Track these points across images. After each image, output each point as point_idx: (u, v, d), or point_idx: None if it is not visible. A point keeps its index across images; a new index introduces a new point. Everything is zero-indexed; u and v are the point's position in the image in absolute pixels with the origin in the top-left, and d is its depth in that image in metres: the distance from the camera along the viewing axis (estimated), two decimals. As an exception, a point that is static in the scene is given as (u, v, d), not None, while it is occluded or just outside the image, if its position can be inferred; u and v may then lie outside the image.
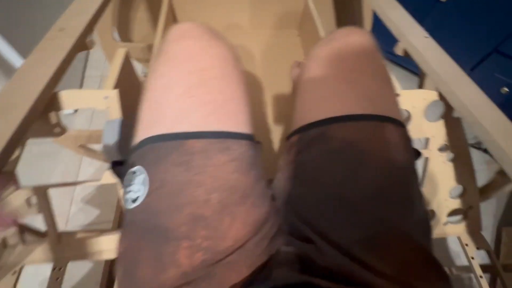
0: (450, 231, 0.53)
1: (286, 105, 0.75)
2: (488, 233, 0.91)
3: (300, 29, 0.96)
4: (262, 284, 0.23)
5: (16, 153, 0.37)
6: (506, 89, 1.11)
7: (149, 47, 0.88)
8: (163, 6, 0.79)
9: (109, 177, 0.40)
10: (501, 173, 0.43)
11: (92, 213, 0.87)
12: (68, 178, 0.96)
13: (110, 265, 0.65)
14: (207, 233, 0.23)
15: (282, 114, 0.73)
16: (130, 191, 0.25)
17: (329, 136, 0.29)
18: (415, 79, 1.34)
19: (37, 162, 0.95)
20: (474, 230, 0.53)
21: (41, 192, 0.40)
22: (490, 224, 0.93)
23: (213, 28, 0.32)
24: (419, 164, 0.50)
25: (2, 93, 0.33)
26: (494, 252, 0.89)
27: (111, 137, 0.35)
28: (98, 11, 0.46)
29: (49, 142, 0.45)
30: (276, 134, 0.69)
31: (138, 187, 0.24)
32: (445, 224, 0.52)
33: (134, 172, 0.25)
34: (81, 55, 0.80)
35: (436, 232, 0.53)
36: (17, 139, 0.31)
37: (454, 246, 0.82)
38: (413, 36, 0.47)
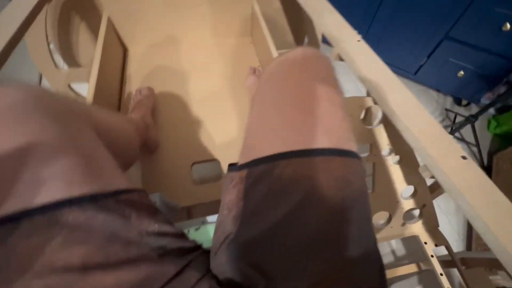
0: (408, 231, 0.53)
1: (246, 115, 0.73)
2: (451, 213, 0.93)
3: (253, 37, 0.95)
4: None
5: None
6: (462, 72, 1.14)
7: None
8: (102, 27, 0.75)
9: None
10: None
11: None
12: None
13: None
14: None
15: (242, 128, 0.71)
16: None
17: (277, 174, 0.26)
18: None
19: None
20: (432, 227, 0.53)
21: None
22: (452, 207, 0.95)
23: None
24: (367, 168, 0.50)
25: None
26: (468, 236, 0.91)
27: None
28: (6, 49, 0.41)
29: None
30: (238, 148, 0.67)
31: None
32: (403, 225, 0.52)
33: None
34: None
35: (396, 234, 0.53)
36: None
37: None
38: (345, 41, 0.46)
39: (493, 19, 0.94)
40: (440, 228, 0.52)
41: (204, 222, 0.39)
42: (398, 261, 0.77)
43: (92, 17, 0.83)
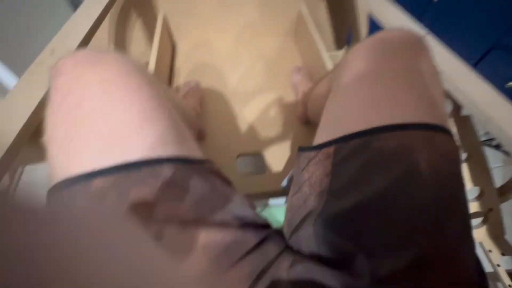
0: (470, 237, 0.49)
1: (289, 111, 0.73)
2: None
3: (296, 36, 0.96)
4: None
5: (6, 181, 0.35)
6: (511, 83, 1.08)
7: (146, 64, 0.88)
8: (158, 24, 0.79)
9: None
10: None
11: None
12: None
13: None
14: None
15: (286, 122, 0.72)
16: None
17: (377, 146, 0.25)
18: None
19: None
20: (497, 235, 0.49)
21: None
22: None
23: (94, 52, 0.26)
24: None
25: (-10, 120, 0.32)
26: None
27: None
28: (89, 33, 0.45)
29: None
30: (281, 143, 0.67)
31: None
32: (464, 229, 0.49)
33: None
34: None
35: (455, 239, 0.50)
36: (5, 166, 0.29)
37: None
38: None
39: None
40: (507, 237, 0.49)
41: (266, 205, 0.39)
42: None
43: (147, 15, 0.88)
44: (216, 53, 0.90)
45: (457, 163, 0.26)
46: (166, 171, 0.24)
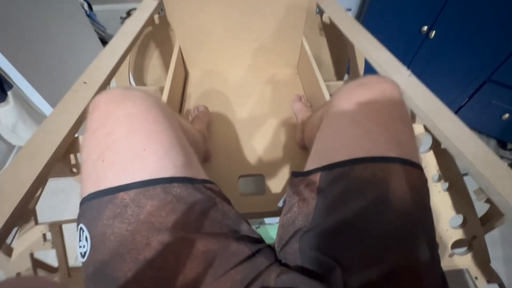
0: (457, 263, 0.52)
1: (289, 136, 0.79)
2: (498, 262, 0.86)
3: (298, 67, 1.04)
4: None
5: (38, 192, 0.41)
6: (507, 115, 1.12)
7: (161, 89, 0.96)
8: (174, 54, 0.88)
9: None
10: (491, 201, 0.44)
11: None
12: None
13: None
14: (153, 274, 0.25)
15: (287, 147, 0.77)
16: (79, 246, 0.28)
17: (355, 175, 0.30)
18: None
19: (53, 197, 1.00)
20: (483, 262, 0.51)
21: (56, 228, 0.44)
22: (499, 253, 0.88)
23: (123, 91, 0.33)
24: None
25: (31, 140, 0.38)
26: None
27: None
28: (116, 66, 0.53)
29: (65, 179, 0.49)
30: (281, 166, 0.72)
31: (84, 243, 0.27)
32: (451, 256, 0.51)
33: (81, 228, 0.28)
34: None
35: (443, 265, 0.52)
36: (41, 180, 0.35)
37: (465, 276, 0.78)
38: (397, 76, 0.52)
39: (539, 65, 0.95)
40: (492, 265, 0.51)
41: (262, 223, 0.43)
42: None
43: (164, 46, 0.98)
44: (224, 81, 0.98)
45: (422, 191, 0.30)
46: (176, 189, 0.29)
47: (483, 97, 1.14)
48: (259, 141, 0.78)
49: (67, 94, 0.46)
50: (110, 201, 0.27)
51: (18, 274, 0.43)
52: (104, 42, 1.67)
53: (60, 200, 1.01)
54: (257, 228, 0.41)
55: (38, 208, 0.45)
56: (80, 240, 0.28)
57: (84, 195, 0.28)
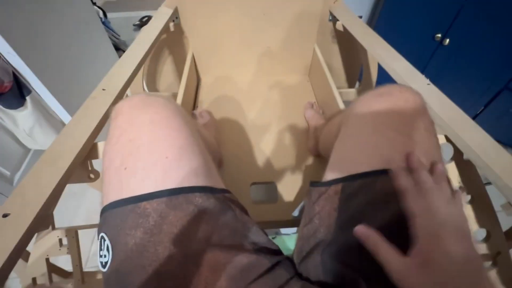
0: (480, 280, 0.49)
1: (301, 144, 0.78)
2: None
3: (310, 74, 1.04)
4: None
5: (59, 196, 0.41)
6: (524, 124, 1.09)
7: (174, 95, 0.97)
8: (187, 61, 0.89)
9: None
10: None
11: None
12: (92, 217, 1.00)
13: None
14: (174, 284, 0.25)
15: (298, 154, 0.76)
16: (100, 256, 0.27)
17: (378, 187, 0.29)
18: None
19: (65, 201, 1.01)
20: (509, 280, 0.49)
21: (72, 234, 0.44)
22: None
23: (145, 97, 0.33)
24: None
25: (52, 146, 0.39)
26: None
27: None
28: (133, 74, 0.54)
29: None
30: (293, 173, 0.71)
31: (105, 252, 0.27)
32: (473, 271, 0.49)
33: (102, 237, 0.27)
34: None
35: (465, 280, 0.50)
36: (62, 185, 0.35)
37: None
38: (416, 84, 0.51)
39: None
40: (518, 282, 0.48)
41: (278, 233, 0.42)
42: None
43: (177, 53, 0.99)
44: (236, 87, 0.99)
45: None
46: (198, 198, 0.29)
47: (499, 106, 1.12)
48: (271, 148, 0.78)
49: (87, 101, 0.47)
50: (132, 210, 0.26)
51: (34, 279, 0.43)
52: (117, 48, 1.71)
53: (72, 204, 1.02)
54: (273, 238, 0.40)
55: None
56: (101, 250, 0.27)
57: (106, 203, 0.28)
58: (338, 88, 0.84)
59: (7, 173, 0.99)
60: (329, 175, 0.36)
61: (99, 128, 0.43)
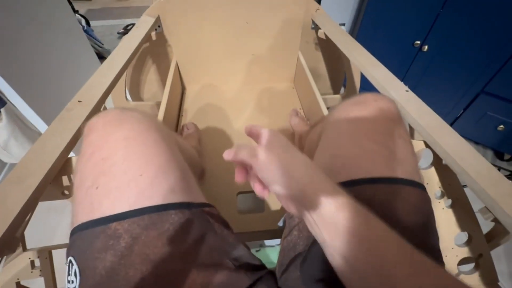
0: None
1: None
2: (503, 277, 0.84)
3: (295, 81, 1.05)
4: None
5: (27, 216, 0.39)
6: (502, 126, 1.13)
7: (158, 104, 0.96)
8: (171, 70, 0.88)
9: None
10: (497, 220, 0.43)
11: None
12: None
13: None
14: None
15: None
16: (68, 281, 0.26)
17: (356, 196, 0.28)
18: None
19: (44, 216, 0.96)
20: (491, 282, 0.49)
21: (45, 254, 0.41)
22: (504, 267, 0.86)
23: (120, 112, 0.32)
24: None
25: (20, 163, 0.37)
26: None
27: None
28: (112, 84, 0.52)
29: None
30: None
31: (73, 278, 0.25)
32: (458, 275, 0.50)
33: (70, 261, 0.26)
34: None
35: (450, 284, 0.50)
36: (31, 205, 0.33)
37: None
38: (394, 91, 0.52)
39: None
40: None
41: (262, 245, 0.41)
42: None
43: (161, 62, 0.98)
44: (221, 96, 0.98)
45: (425, 212, 0.29)
46: (173, 216, 0.28)
47: (478, 109, 1.16)
48: (257, 156, 0.77)
49: (61, 113, 0.45)
50: (102, 232, 0.25)
51: (3, 305, 0.40)
52: (100, 57, 1.68)
53: (52, 220, 0.97)
54: (257, 251, 0.39)
55: (27, 229, 0.43)
56: (69, 275, 0.26)
57: (75, 224, 0.27)
58: (323, 94, 0.85)
59: (-19, 189, 0.94)
60: None
61: (73, 142, 0.41)
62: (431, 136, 0.43)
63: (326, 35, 0.83)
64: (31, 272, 0.41)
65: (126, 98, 0.95)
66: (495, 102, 1.09)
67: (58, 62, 1.04)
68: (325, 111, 0.73)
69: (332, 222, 0.23)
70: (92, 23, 1.88)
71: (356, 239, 0.21)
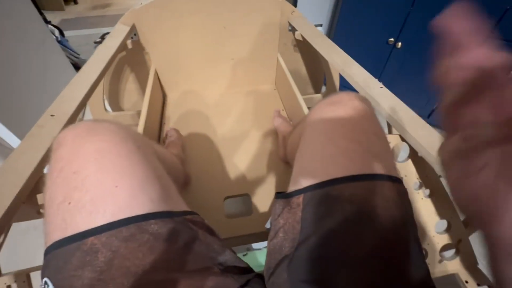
0: (447, 268, 0.52)
1: (273, 153, 0.78)
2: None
3: (276, 83, 1.06)
4: None
5: (1, 239, 0.37)
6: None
7: (139, 113, 0.94)
8: (150, 78, 0.87)
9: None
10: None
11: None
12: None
13: None
14: None
15: (271, 163, 0.76)
16: None
17: (335, 196, 0.30)
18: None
19: (23, 236, 0.92)
20: (471, 264, 0.52)
21: (23, 278, 0.40)
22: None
23: (91, 124, 0.31)
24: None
25: (-10, 183, 0.35)
26: None
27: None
28: (86, 96, 0.51)
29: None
30: (267, 184, 0.71)
31: None
32: (440, 261, 0.51)
33: (46, 283, 0.25)
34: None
35: (434, 271, 0.52)
36: (3, 226, 0.32)
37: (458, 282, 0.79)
38: (369, 88, 0.54)
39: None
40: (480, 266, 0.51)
41: (250, 249, 0.41)
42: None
43: (139, 70, 0.96)
44: (203, 102, 0.98)
45: (403, 205, 0.30)
46: (153, 225, 0.27)
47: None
48: (243, 159, 0.77)
49: (32, 129, 0.43)
50: (78, 248, 0.24)
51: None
52: (77, 67, 1.63)
53: (33, 241, 0.93)
54: (244, 255, 0.39)
55: (4, 251, 0.41)
56: None
57: (49, 243, 0.26)
58: (304, 94, 0.86)
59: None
60: (292, 186, 0.36)
61: (46, 159, 0.39)
62: (405, 130, 0.45)
63: (302, 37, 0.85)
64: (8, 298, 0.39)
65: (105, 109, 0.92)
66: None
67: (30, 75, 1.00)
68: (306, 111, 0.74)
69: None
70: (66, 33, 1.82)
71: None
